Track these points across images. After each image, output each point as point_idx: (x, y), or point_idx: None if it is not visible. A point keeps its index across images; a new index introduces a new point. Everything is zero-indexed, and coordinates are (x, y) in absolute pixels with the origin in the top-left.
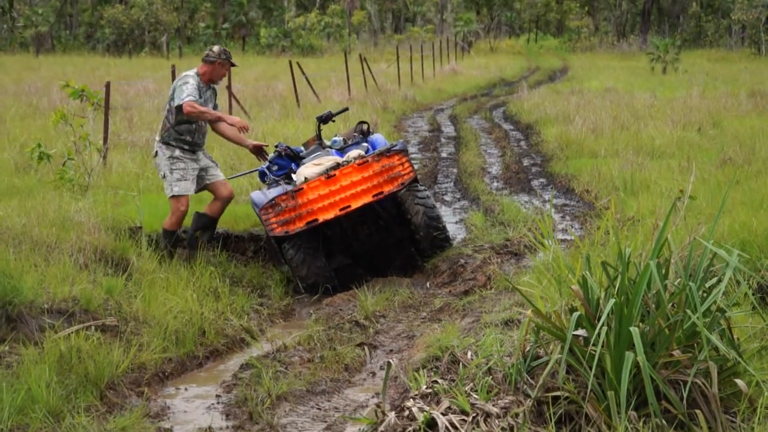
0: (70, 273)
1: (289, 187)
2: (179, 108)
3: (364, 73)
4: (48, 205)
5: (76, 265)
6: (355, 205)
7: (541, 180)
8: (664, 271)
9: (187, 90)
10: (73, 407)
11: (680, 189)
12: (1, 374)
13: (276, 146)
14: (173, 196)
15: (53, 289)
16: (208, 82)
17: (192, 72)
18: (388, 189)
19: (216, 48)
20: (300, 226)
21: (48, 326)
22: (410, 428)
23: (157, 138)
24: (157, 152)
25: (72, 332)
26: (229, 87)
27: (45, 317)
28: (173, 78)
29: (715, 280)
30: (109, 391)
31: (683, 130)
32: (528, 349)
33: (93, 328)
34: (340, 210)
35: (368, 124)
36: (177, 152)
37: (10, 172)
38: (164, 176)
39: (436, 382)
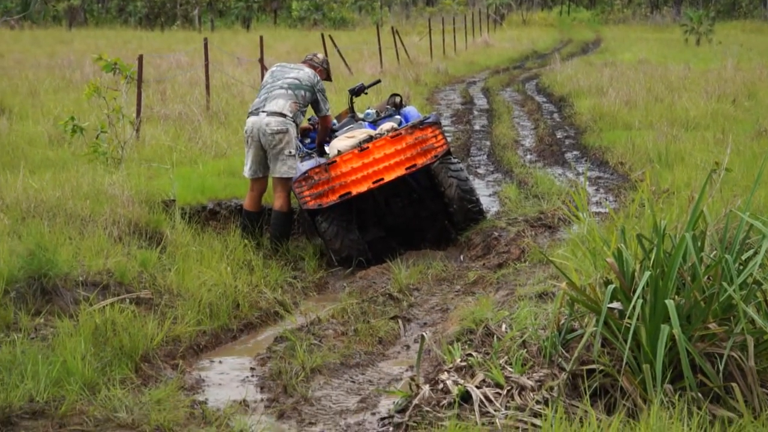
0: (105, 246)
1: (323, 160)
2: (323, 116)
3: (396, 46)
4: (82, 178)
5: (111, 237)
6: (389, 178)
7: (575, 152)
8: (699, 244)
9: (328, 103)
10: (108, 379)
11: (716, 161)
12: (36, 347)
13: (309, 119)
14: (289, 178)
15: (88, 262)
16: None
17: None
18: (421, 162)
19: (320, 55)
20: (333, 199)
21: (83, 299)
22: (444, 401)
23: (288, 114)
24: (287, 129)
25: (107, 305)
26: (261, 60)
27: (80, 290)
28: (206, 51)
29: (751, 252)
30: (143, 364)
31: (718, 102)
32: (562, 322)
33: (127, 300)
34: (374, 183)
35: (401, 96)
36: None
37: (44, 145)
38: (290, 154)
39: (470, 355)
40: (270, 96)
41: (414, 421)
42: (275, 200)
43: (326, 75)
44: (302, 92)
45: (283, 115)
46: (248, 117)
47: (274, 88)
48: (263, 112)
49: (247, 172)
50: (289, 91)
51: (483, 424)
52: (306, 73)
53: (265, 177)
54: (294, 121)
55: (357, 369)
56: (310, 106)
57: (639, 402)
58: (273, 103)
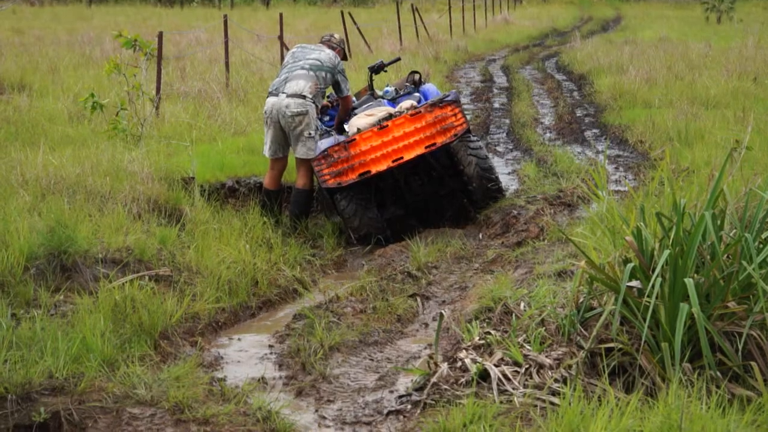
0: (124, 223)
1: (342, 138)
2: (344, 97)
3: (415, 23)
4: (102, 154)
5: (130, 215)
6: (408, 156)
7: (595, 131)
8: (719, 222)
9: (348, 83)
10: (127, 356)
11: (736, 139)
12: (56, 323)
13: (327, 96)
14: (310, 158)
15: (107, 239)
16: None
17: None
18: (440, 140)
19: (337, 35)
20: (352, 177)
21: (102, 276)
22: (463, 379)
23: (308, 96)
24: (307, 111)
25: (126, 282)
26: (280, 37)
27: (99, 267)
28: (225, 28)
29: None
30: (162, 341)
31: (738, 80)
32: (581, 300)
33: (147, 277)
34: (393, 161)
35: (420, 74)
36: None
37: (64, 122)
38: (310, 136)
39: (488, 333)
40: (291, 76)
41: (432, 399)
42: (297, 179)
43: (343, 55)
44: (323, 73)
45: (303, 97)
46: (268, 97)
47: (295, 69)
48: (283, 93)
49: (267, 151)
50: (311, 72)
51: (501, 402)
52: (327, 54)
53: (285, 157)
54: (314, 103)
55: (375, 347)
56: (330, 86)
57: (657, 380)
58: (293, 83)
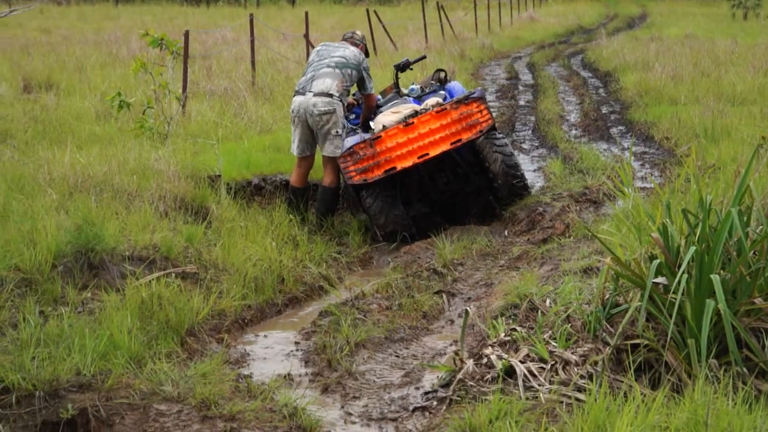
0: (151, 221)
1: (368, 135)
2: (368, 94)
3: (441, 21)
4: (128, 153)
5: (157, 212)
6: (434, 152)
7: (620, 127)
8: (745, 219)
9: (372, 80)
10: (154, 353)
11: (762, 135)
12: (84, 320)
13: (353, 95)
14: (336, 156)
15: (134, 237)
16: None
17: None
18: (466, 137)
19: (359, 32)
20: (378, 174)
21: (129, 273)
22: (488, 376)
23: (335, 94)
24: (335, 109)
25: (153, 279)
26: (306, 35)
27: (126, 264)
28: (251, 27)
29: None
30: (189, 338)
31: (765, 77)
32: (607, 296)
33: (173, 275)
34: (419, 158)
35: (445, 72)
36: None
37: (91, 121)
38: (337, 134)
39: (514, 329)
40: (317, 75)
41: (458, 396)
42: (324, 177)
43: (366, 51)
44: (349, 71)
45: (330, 95)
46: (294, 96)
47: (321, 67)
48: (310, 92)
49: (294, 150)
50: (336, 70)
51: (527, 398)
52: (352, 52)
53: (312, 155)
54: (340, 101)
55: (401, 343)
56: (355, 83)
57: (684, 377)
58: (320, 82)
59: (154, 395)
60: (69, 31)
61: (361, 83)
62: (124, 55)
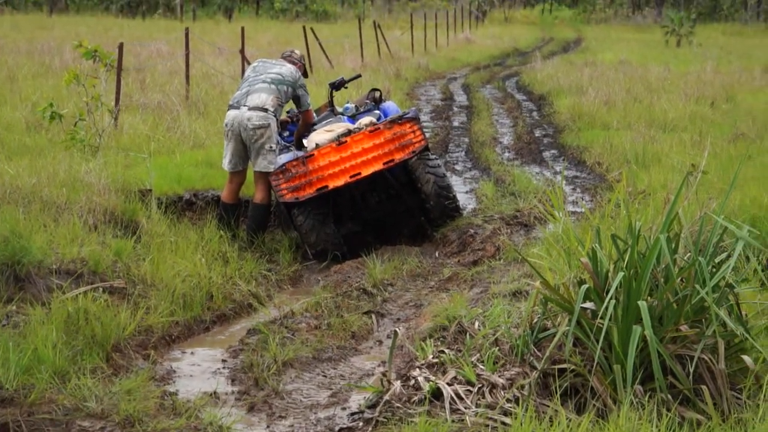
0: (79, 234)
1: (300, 153)
2: (305, 110)
3: (377, 40)
4: (58, 165)
5: (86, 226)
6: (366, 172)
7: (553, 151)
8: (673, 246)
9: (309, 97)
10: (79, 368)
11: (692, 163)
12: (8, 334)
13: (288, 112)
14: (269, 172)
15: (62, 250)
16: None
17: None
18: (399, 157)
19: (298, 51)
20: (310, 192)
21: (56, 287)
22: (416, 397)
23: (270, 109)
24: (269, 124)
25: (80, 293)
26: (242, 51)
27: (53, 278)
28: (187, 41)
29: (724, 255)
30: (115, 354)
31: (696, 104)
32: (535, 320)
33: (101, 289)
34: (351, 177)
35: (380, 91)
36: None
37: (21, 131)
38: (271, 149)
39: (442, 351)
40: (252, 89)
41: (384, 417)
42: (256, 193)
43: (304, 71)
44: (285, 87)
45: (265, 110)
46: (229, 110)
47: (257, 82)
48: (245, 106)
49: (226, 165)
50: (272, 86)
51: (453, 421)
52: (288, 69)
53: (245, 170)
54: (275, 116)
55: (329, 363)
56: (290, 101)
57: (609, 402)
58: (255, 96)
59: (77, 411)
60: (1, 40)
61: (298, 100)
62: (57, 65)
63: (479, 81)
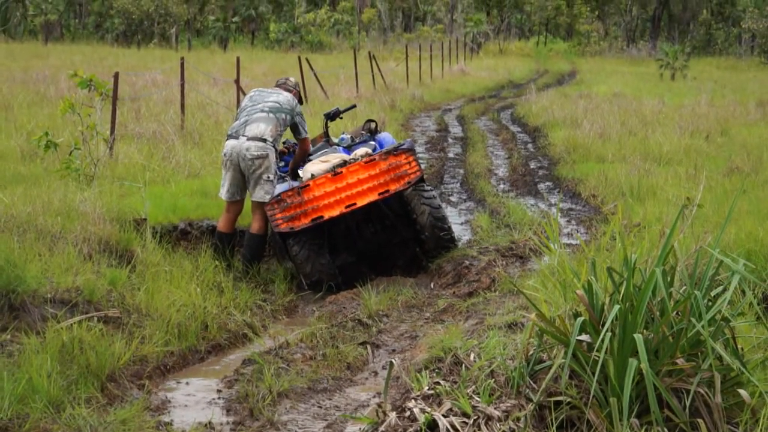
0: (74, 263)
1: (296, 184)
2: (302, 138)
3: (372, 71)
4: (53, 194)
5: (80, 255)
6: (361, 203)
7: (548, 183)
8: (669, 279)
9: (306, 125)
10: (73, 398)
11: (687, 196)
12: (2, 363)
13: (284, 142)
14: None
15: (56, 279)
16: None
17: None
18: (394, 187)
19: (292, 79)
20: (305, 222)
21: (50, 316)
22: (411, 429)
23: (268, 139)
24: (267, 154)
25: (74, 323)
26: (237, 81)
27: (48, 307)
28: (182, 70)
29: (720, 289)
30: (110, 383)
31: (691, 138)
32: (531, 352)
33: (96, 319)
34: (346, 207)
35: (376, 122)
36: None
37: (17, 160)
38: (269, 179)
39: (438, 383)
40: (251, 119)
41: None
42: (252, 223)
43: (299, 98)
44: (283, 116)
45: (264, 140)
46: (227, 140)
47: (255, 112)
48: (243, 136)
49: (224, 194)
50: (270, 115)
51: None
52: (285, 97)
53: (242, 200)
54: (274, 146)
55: (324, 394)
56: (287, 129)
57: None
58: (254, 126)
59: None
60: None
61: (295, 128)
62: (52, 94)
63: (474, 112)
